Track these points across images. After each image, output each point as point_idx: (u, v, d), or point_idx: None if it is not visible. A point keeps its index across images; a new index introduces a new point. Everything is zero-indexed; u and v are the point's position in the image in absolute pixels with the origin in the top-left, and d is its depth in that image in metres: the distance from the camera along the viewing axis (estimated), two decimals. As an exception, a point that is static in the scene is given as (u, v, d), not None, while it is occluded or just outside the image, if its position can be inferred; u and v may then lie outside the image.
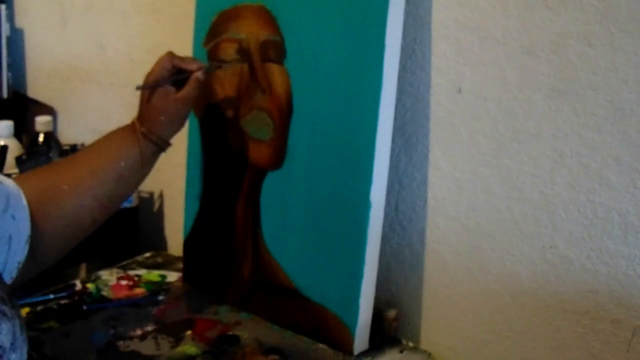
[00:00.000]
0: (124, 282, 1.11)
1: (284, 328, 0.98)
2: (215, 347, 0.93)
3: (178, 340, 0.95)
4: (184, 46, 1.05)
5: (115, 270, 1.15)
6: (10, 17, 1.50)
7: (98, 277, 1.12)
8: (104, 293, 1.07)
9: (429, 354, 0.95)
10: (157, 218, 1.31)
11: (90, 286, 1.09)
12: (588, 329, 0.81)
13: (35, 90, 1.54)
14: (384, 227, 0.91)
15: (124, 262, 1.18)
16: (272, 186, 0.98)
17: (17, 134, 1.35)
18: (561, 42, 0.79)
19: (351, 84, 0.87)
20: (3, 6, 1.45)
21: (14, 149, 1.29)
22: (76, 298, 1.06)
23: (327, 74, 0.89)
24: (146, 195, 1.30)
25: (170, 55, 0.90)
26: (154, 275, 1.14)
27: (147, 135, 0.88)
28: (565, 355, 0.84)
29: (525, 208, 0.85)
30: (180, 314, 1.02)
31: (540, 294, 0.85)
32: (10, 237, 0.75)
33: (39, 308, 1.02)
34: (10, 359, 0.60)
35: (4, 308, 0.61)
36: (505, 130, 0.85)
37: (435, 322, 0.95)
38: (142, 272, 1.15)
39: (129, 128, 0.89)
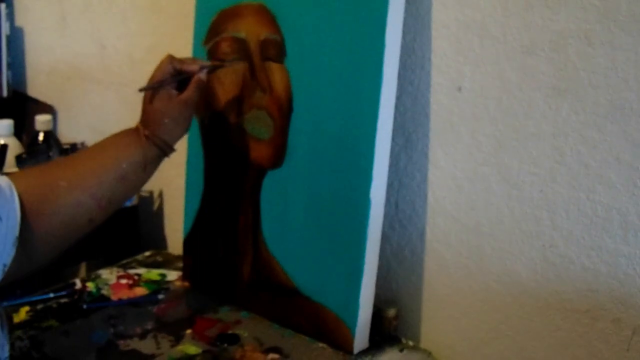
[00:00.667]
0: (124, 281, 1.11)
1: (283, 327, 0.98)
2: (215, 346, 0.93)
3: (178, 339, 0.95)
4: (184, 45, 1.05)
5: (115, 269, 1.15)
6: (10, 16, 1.50)
7: (98, 276, 1.12)
8: (104, 292, 1.07)
9: (429, 353, 0.95)
10: (157, 217, 1.31)
11: (90, 285, 1.09)
12: (588, 327, 0.81)
13: (35, 89, 1.54)
14: (383, 226, 0.91)
15: (124, 261, 1.18)
16: (272, 185, 0.98)
17: (17, 133, 1.34)
18: (561, 41, 0.79)
19: (351, 82, 0.87)
20: (3, 5, 1.45)
21: (14, 148, 1.29)
22: (76, 297, 1.06)
23: (327, 72, 0.89)
24: (146, 194, 1.30)
25: (170, 58, 0.89)
26: (153, 274, 1.14)
27: (150, 138, 0.87)
28: (565, 354, 0.84)
29: (525, 207, 0.84)
30: (180, 312, 1.02)
31: (540, 292, 0.85)
32: None
33: (39, 307, 1.02)
34: None
35: None
36: (505, 129, 0.85)
37: (435, 321, 0.95)
38: (142, 271, 1.15)
39: (133, 131, 0.88)
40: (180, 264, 1.14)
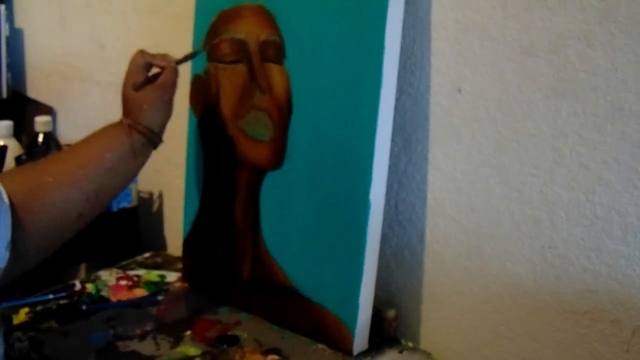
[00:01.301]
0: (123, 282, 1.11)
1: (283, 328, 0.98)
2: (215, 347, 0.93)
3: (177, 340, 0.95)
4: (184, 46, 1.05)
5: (114, 270, 1.15)
6: (10, 17, 1.50)
7: (97, 277, 1.12)
8: (104, 293, 1.07)
9: (429, 354, 0.95)
10: (156, 218, 1.31)
11: (89, 286, 1.09)
12: (588, 329, 0.81)
13: (35, 90, 1.54)
14: (383, 227, 0.91)
15: (124, 262, 1.18)
16: (271, 186, 0.98)
17: (17, 134, 1.34)
18: (561, 42, 0.79)
19: (351, 84, 0.87)
20: (2, 6, 1.45)
21: (14, 149, 1.29)
22: (76, 298, 1.06)
23: (327, 74, 0.89)
24: (146, 195, 1.30)
25: (142, 52, 0.93)
26: (153, 275, 1.14)
27: (133, 127, 0.89)
28: (564, 355, 0.84)
29: (524, 208, 0.85)
30: (180, 314, 1.02)
31: (539, 294, 0.85)
32: None
33: (39, 308, 1.02)
34: None
35: None
36: (504, 131, 0.85)
37: (435, 322, 0.95)
38: (141, 272, 1.15)
39: (117, 123, 0.90)
40: (180, 265, 1.14)
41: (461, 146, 0.89)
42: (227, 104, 1.01)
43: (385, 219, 0.91)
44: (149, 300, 1.06)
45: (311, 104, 0.92)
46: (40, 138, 1.30)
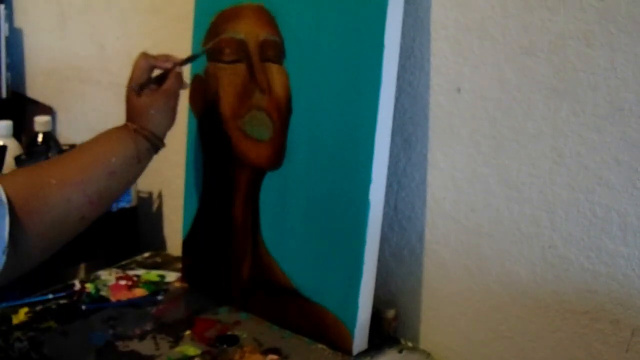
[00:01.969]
0: (123, 282, 1.11)
1: (283, 328, 0.98)
2: (214, 347, 0.93)
3: (177, 340, 0.95)
4: (183, 46, 1.05)
5: (114, 270, 1.15)
6: (9, 17, 1.50)
7: (97, 277, 1.12)
8: (103, 293, 1.07)
9: (428, 354, 0.95)
10: (156, 218, 1.31)
11: (89, 286, 1.09)
12: (587, 328, 0.81)
13: (34, 90, 1.54)
14: (383, 227, 0.91)
15: (123, 262, 1.18)
16: (271, 186, 0.98)
17: (16, 134, 1.34)
18: (560, 42, 0.79)
19: (350, 84, 0.87)
20: (2, 6, 1.45)
21: (13, 149, 1.29)
22: (75, 298, 1.06)
23: (326, 73, 0.89)
24: (145, 195, 1.30)
25: (145, 55, 0.93)
26: (153, 275, 1.14)
27: (139, 132, 0.89)
28: (564, 355, 0.84)
29: (524, 208, 0.85)
30: (179, 313, 1.02)
31: (539, 293, 0.85)
32: None
33: (38, 308, 1.02)
34: None
35: None
36: (504, 131, 0.85)
37: (434, 322, 0.95)
38: (141, 272, 1.15)
39: (122, 127, 0.90)
40: (180, 265, 1.14)
41: (461, 146, 0.89)
42: (226, 103, 1.01)
43: (384, 218, 0.91)
44: (149, 300, 1.06)
45: (311, 104, 0.92)
46: (40, 138, 1.31)
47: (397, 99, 0.90)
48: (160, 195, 1.30)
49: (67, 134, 1.45)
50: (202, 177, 1.07)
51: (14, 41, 1.52)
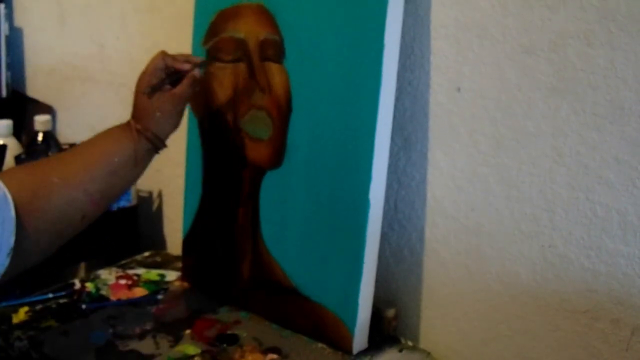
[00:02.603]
0: (123, 282, 1.11)
1: (283, 327, 0.98)
2: (214, 346, 0.93)
3: (177, 339, 0.95)
4: (183, 45, 1.05)
5: (114, 269, 1.15)
6: (10, 17, 1.50)
7: (97, 277, 1.12)
8: (103, 292, 1.07)
9: (428, 353, 0.95)
10: (156, 217, 1.31)
11: (89, 285, 1.09)
12: (587, 328, 0.81)
13: (34, 89, 1.54)
14: (383, 226, 0.91)
15: (123, 262, 1.18)
16: (271, 185, 0.98)
17: (16, 133, 1.34)
18: (560, 41, 0.79)
19: (350, 83, 0.87)
20: (2, 5, 1.45)
21: (13, 148, 1.29)
22: (75, 297, 1.06)
23: (326, 73, 0.89)
24: (145, 194, 1.30)
25: (163, 54, 0.90)
26: (153, 274, 1.14)
27: (142, 132, 0.88)
28: (564, 354, 0.84)
29: (524, 207, 0.85)
30: (179, 313, 1.02)
31: (539, 293, 0.85)
32: None
33: (38, 307, 1.02)
34: None
35: None
36: (504, 130, 0.85)
37: (434, 321, 0.95)
38: (141, 271, 1.15)
39: (125, 125, 0.89)
40: (180, 264, 1.14)
41: (461, 145, 0.89)
42: (226, 103, 1.01)
43: (384, 218, 0.91)
44: (149, 299, 1.06)
45: (311, 103, 0.92)
46: (40, 137, 1.31)
47: (397, 98, 0.90)
48: (160, 195, 1.30)
49: (67, 133, 1.45)
50: (202, 177, 1.07)
51: (14, 40, 1.52)
